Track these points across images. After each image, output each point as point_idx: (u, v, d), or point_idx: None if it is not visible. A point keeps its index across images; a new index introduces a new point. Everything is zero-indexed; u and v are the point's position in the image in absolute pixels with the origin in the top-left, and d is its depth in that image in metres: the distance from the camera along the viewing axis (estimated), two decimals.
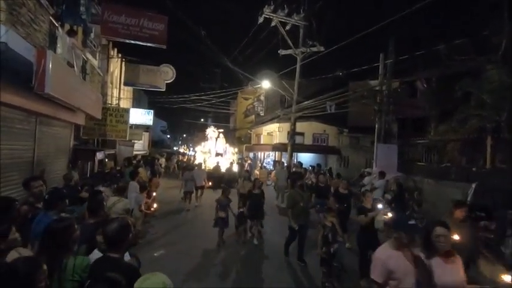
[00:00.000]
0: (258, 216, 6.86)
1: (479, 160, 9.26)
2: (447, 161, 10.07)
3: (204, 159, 17.12)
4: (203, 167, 12.98)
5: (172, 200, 10.92)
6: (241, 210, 6.94)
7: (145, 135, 20.64)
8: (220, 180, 14.17)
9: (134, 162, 12.12)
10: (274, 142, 22.96)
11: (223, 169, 15.61)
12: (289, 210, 5.73)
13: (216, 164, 15.80)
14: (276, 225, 8.13)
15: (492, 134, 8.72)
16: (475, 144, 9.45)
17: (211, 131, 19.38)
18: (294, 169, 14.89)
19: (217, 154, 18.11)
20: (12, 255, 1.97)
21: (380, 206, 5.93)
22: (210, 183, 12.18)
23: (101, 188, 5.19)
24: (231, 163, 16.79)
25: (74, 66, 6.21)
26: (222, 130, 21.38)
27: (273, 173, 18.40)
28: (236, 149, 21.13)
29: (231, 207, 6.91)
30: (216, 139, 18.93)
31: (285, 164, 17.39)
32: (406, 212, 8.87)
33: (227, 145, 19.49)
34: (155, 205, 7.38)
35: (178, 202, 10.59)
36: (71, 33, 6.36)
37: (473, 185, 6.81)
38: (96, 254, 2.44)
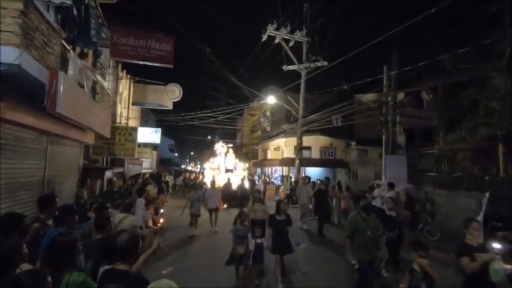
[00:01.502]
0: (284, 249, 5.25)
1: (491, 168, 9.05)
2: (458, 171, 9.87)
3: (213, 176, 16.05)
4: (216, 185, 11.33)
5: (180, 224, 9.62)
6: (258, 241, 5.21)
7: (153, 154, 20.85)
8: (231, 198, 13.34)
9: (140, 179, 12.17)
10: (281, 157, 22.92)
11: (234, 186, 14.80)
12: (348, 241, 4.20)
13: (226, 181, 14.79)
14: (311, 258, 6.90)
15: (503, 142, 8.56)
16: (486, 152, 9.27)
17: (220, 146, 18.32)
18: (299, 181, 14.69)
19: (227, 170, 17.07)
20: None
21: (497, 245, 4.48)
22: (225, 206, 10.61)
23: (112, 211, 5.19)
24: (242, 179, 15.85)
25: (84, 87, 6.42)
26: (231, 145, 20.62)
27: (281, 188, 18.24)
28: (247, 165, 19.98)
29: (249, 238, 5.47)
30: (226, 154, 17.90)
31: (293, 178, 17.17)
32: (419, 225, 8.65)
33: (237, 160, 18.41)
34: (161, 220, 7.34)
35: (186, 226, 9.14)
36: (82, 55, 6.62)
37: (487, 194, 6.62)
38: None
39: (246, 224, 5.61)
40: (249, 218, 6.37)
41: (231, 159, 17.94)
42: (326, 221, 9.21)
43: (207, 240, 8.42)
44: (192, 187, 10.46)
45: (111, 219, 3.91)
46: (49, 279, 1.66)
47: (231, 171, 17.08)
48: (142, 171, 17.46)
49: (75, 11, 5.81)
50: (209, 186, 12.05)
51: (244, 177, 16.53)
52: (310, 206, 10.57)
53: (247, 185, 15.30)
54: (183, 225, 9.32)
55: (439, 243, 8.20)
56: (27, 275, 1.62)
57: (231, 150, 18.37)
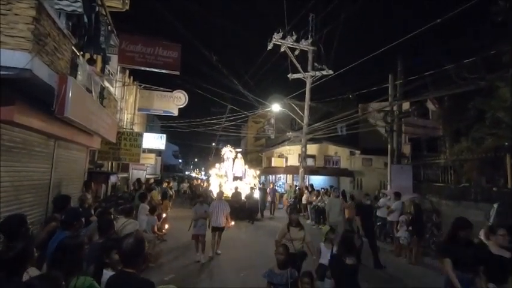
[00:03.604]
0: None
1: (499, 180, 8.91)
2: (465, 181, 9.74)
3: (220, 184, 14.32)
4: (223, 196, 8.83)
5: (182, 244, 8.06)
6: None
7: (158, 160, 20.97)
8: (240, 210, 12.12)
9: (144, 185, 12.14)
10: (285, 165, 22.90)
11: (243, 195, 13.25)
12: None
13: (235, 191, 13.17)
14: None
15: (511, 153, 8.45)
16: (494, 163, 9.16)
17: (228, 151, 16.19)
18: (303, 189, 14.56)
19: (236, 178, 15.17)
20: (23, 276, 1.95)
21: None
22: (233, 223, 8.64)
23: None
24: (252, 188, 14.13)
25: (92, 92, 6.51)
26: (240, 149, 18.86)
27: (285, 196, 18.14)
28: (257, 172, 17.78)
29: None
30: (234, 160, 15.80)
31: (297, 187, 17.01)
32: (426, 236, 8.51)
33: (246, 167, 16.36)
34: (166, 226, 7.29)
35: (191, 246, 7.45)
36: (91, 61, 6.73)
37: (495, 205, 6.50)
38: (106, 275, 2.42)
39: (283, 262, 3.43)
40: (283, 250, 3.84)
41: (240, 166, 15.89)
42: (374, 246, 7.18)
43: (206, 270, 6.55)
44: (198, 198, 8.28)
45: (114, 223, 3.94)
46: (63, 283, 1.65)
47: (240, 178, 15.24)
48: (146, 176, 17.50)
49: (85, 19, 5.95)
50: (215, 196, 9.69)
51: (254, 185, 14.82)
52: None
53: (257, 194, 13.97)
54: (188, 246, 7.65)
55: None
56: (42, 279, 1.61)
57: (239, 155, 16.29)
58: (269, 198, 15.33)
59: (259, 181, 17.44)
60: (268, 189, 15.94)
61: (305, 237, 4.74)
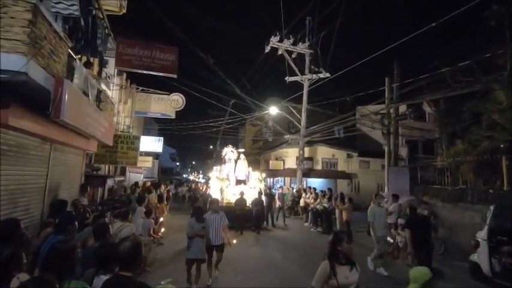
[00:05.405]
0: None
1: (496, 182, 8.98)
2: (461, 183, 9.80)
3: (221, 188, 12.58)
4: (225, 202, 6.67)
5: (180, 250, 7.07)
6: None
7: (155, 163, 20.90)
8: (246, 218, 11.04)
9: (139, 188, 12.08)
10: (283, 167, 22.96)
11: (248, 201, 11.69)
12: None
13: (239, 196, 11.58)
14: None
15: (506, 155, 8.52)
16: (490, 165, 9.23)
17: (230, 152, 14.29)
18: (300, 191, 14.51)
19: (238, 182, 13.32)
20: (13, 282, 1.90)
21: None
22: (235, 241, 7.10)
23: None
24: (260, 193, 12.30)
25: (89, 95, 6.48)
26: (243, 150, 17.07)
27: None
28: (264, 174, 15.72)
29: None
30: (236, 161, 14.02)
31: (295, 189, 16.97)
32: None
33: (250, 169, 14.41)
34: (162, 229, 7.24)
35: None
36: (88, 64, 6.73)
37: (492, 207, 6.53)
38: (100, 279, 2.38)
39: None
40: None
41: (243, 168, 13.95)
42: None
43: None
44: (196, 209, 6.30)
45: (110, 227, 3.92)
46: (57, 286, 1.63)
47: (244, 182, 13.44)
48: (144, 179, 17.42)
49: (82, 22, 5.94)
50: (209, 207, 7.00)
51: (260, 190, 12.94)
52: (390, 240, 7.91)
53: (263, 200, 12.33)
54: (185, 249, 5.78)
55: (443, 257, 8.06)
56: (35, 283, 1.59)
57: (242, 156, 14.29)
58: (278, 204, 13.92)
59: (265, 185, 15.66)
60: (277, 194, 14.58)
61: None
